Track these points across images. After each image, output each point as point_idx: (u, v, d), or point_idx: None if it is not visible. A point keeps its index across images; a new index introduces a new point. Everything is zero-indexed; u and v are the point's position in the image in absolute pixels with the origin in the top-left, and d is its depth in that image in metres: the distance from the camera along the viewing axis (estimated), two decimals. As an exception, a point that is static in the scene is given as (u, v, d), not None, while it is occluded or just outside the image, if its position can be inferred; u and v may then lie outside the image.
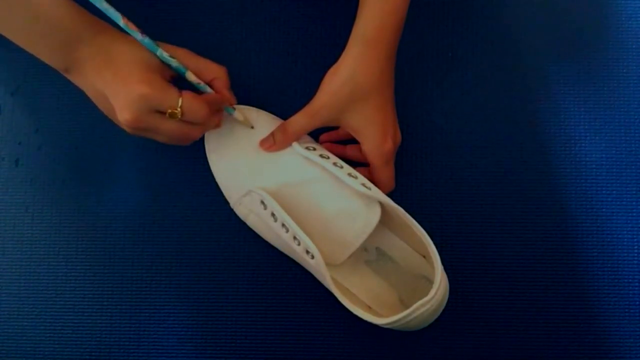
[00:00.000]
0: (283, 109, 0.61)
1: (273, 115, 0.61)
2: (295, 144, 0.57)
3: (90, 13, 0.51)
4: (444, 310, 0.55)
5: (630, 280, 0.61)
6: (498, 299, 0.62)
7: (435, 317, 0.55)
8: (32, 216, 0.64)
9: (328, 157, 0.57)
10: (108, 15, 0.49)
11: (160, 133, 0.52)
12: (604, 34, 0.65)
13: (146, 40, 0.50)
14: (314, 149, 0.57)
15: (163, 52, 0.51)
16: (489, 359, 0.61)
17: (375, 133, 0.56)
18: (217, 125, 0.56)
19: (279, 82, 0.64)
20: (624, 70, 0.64)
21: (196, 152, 0.63)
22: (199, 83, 0.54)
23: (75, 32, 0.50)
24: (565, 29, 0.65)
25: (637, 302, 0.61)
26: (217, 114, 0.56)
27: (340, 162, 0.57)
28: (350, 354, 0.61)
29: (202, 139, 0.61)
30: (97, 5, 0.48)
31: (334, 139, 0.62)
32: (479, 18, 0.65)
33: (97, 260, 0.63)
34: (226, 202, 0.61)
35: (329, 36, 0.65)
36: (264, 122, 0.60)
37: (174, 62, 0.52)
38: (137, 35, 0.50)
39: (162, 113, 0.50)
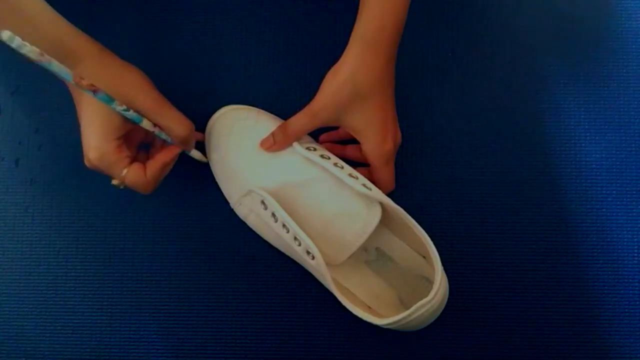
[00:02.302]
0: (283, 109, 0.61)
1: (273, 115, 0.61)
2: (295, 144, 0.57)
3: (72, 36, 0.51)
4: (444, 310, 0.55)
5: (630, 280, 0.61)
6: (498, 299, 0.62)
7: (435, 317, 0.55)
8: (32, 216, 0.64)
9: (329, 158, 0.56)
10: (59, 76, 0.47)
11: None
12: (604, 34, 0.65)
13: (99, 95, 0.49)
14: (315, 149, 0.57)
15: (117, 106, 0.51)
16: (489, 359, 0.61)
17: (376, 133, 0.56)
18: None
19: (279, 82, 0.64)
20: (624, 70, 0.64)
21: (196, 152, 0.63)
22: (154, 131, 0.54)
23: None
24: (565, 29, 0.65)
25: (637, 302, 0.61)
26: (169, 165, 0.56)
27: (340, 162, 0.57)
28: (350, 353, 0.61)
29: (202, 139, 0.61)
30: (47, 68, 0.45)
31: (334, 139, 0.62)
32: (479, 18, 0.65)
33: (97, 260, 0.63)
34: (226, 202, 0.61)
35: (329, 36, 0.65)
36: (264, 122, 0.60)
37: (129, 114, 0.52)
38: (90, 93, 0.49)
39: None
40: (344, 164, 0.57)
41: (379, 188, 0.56)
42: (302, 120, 0.57)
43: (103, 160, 0.52)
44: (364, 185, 0.54)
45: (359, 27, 0.54)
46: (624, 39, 0.65)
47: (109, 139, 0.52)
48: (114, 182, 0.54)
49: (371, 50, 0.54)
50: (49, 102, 0.65)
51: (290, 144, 0.57)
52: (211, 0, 0.66)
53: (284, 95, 0.64)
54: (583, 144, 0.63)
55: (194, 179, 0.63)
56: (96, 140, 0.52)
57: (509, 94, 0.64)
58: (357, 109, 0.55)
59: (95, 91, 0.49)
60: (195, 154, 0.59)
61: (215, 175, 0.61)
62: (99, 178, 0.64)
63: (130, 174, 0.53)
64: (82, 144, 0.53)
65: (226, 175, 0.60)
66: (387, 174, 0.58)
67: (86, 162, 0.53)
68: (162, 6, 0.66)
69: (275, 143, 0.58)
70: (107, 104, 0.50)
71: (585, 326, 0.61)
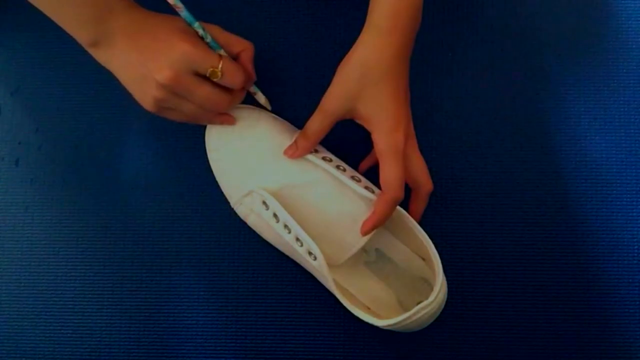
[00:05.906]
0: (283, 109, 0.61)
1: (274, 115, 0.61)
2: None
3: None
4: (443, 310, 0.55)
5: (630, 280, 0.61)
6: (498, 299, 0.62)
7: (434, 318, 0.55)
8: (32, 216, 0.64)
9: (331, 160, 0.56)
10: None
11: (191, 98, 0.52)
12: (604, 34, 0.65)
13: (184, 13, 0.51)
14: (317, 152, 0.57)
15: (200, 25, 0.51)
16: (489, 359, 0.61)
17: (387, 120, 0.52)
18: (240, 99, 0.57)
19: (279, 82, 0.64)
20: (624, 70, 0.64)
21: (196, 151, 0.63)
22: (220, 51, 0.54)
23: (107, 3, 0.50)
24: (565, 29, 0.65)
25: (637, 302, 0.61)
26: (242, 91, 0.56)
27: (343, 165, 0.57)
28: (349, 353, 0.61)
29: (202, 138, 0.61)
30: None
31: (372, 162, 0.60)
32: (479, 18, 0.65)
33: (97, 260, 0.63)
34: (226, 202, 0.61)
35: (330, 36, 0.65)
36: (265, 122, 0.60)
37: (209, 37, 0.52)
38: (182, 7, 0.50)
39: (199, 76, 0.51)
40: (346, 166, 0.57)
41: (385, 192, 0.53)
42: (317, 119, 0.55)
43: (198, 47, 0.50)
44: (366, 187, 0.54)
45: (372, 13, 0.52)
46: (623, 39, 0.65)
47: (193, 36, 0.51)
48: (212, 69, 0.51)
49: (384, 37, 0.52)
50: (49, 102, 0.65)
51: (314, 147, 0.56)
52: (210, 1, 0.66)
53: (284, 95, 0.64)
54: (583, 144, 0.63)
55: (194, 178, 0.63)
56: (184, 36, 0.50)
57: (508, 94, 0.64)
58: (368, 95, 0.52)
59: (179, 9, 0.50)
60: (261, 97, 0.60)
61: (215, 175, 0.61)
62: (99, 178, 0.64)
63: (227, 62, 0.52)
64: (164, 51, 0.50)
65: (227, 175, 0.60)
66: (394, 171, 0.52)
67: (170, 69, 0.50)
68: (162, 8, 0.66)
69: (298, 149, 0.56)
70: (190, 23, 0.51)
71: (585, 326, 0.61)
